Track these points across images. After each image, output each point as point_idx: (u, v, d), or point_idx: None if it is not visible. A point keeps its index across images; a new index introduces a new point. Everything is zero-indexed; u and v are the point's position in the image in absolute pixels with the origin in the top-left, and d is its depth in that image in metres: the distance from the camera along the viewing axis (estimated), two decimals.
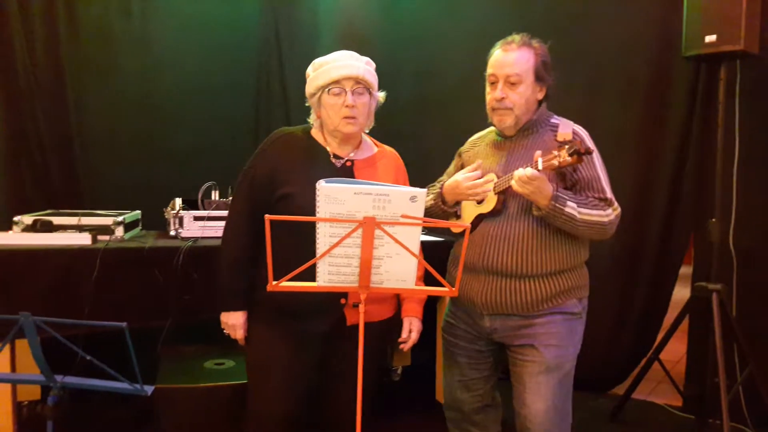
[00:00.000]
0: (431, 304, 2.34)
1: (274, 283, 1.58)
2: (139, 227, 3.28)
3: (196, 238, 2.89)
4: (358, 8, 4.21)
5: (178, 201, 3.02)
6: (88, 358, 1.52)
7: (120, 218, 2.91)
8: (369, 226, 1.53)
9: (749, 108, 3.19)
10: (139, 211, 3.28)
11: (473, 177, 2.10)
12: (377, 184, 1.55)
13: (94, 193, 3.67)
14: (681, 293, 3.51)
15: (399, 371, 3.69)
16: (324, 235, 1.55)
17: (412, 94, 4.16)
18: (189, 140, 3.92)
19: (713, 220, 3.08)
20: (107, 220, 2.88)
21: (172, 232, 2.96)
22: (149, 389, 1.57)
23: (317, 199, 1.51)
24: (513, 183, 1.95)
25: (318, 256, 1.56)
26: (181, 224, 2.96)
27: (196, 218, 2.97)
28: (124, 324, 1.48)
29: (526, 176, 1.90)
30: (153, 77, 3.80)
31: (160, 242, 2.87)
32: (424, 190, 1.56)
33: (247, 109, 4.16)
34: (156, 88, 3.82)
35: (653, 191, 3.55)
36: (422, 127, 4.11)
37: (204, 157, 3.86)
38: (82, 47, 3.62)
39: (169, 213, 3.01)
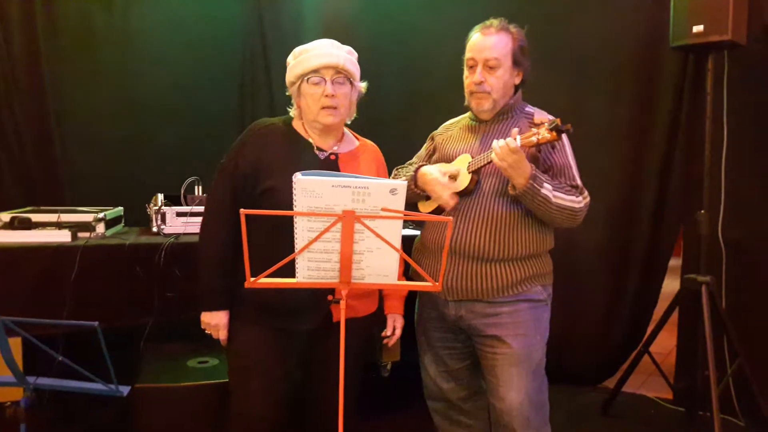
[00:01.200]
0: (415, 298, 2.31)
1: (252, 279, 1.54)
2: (122, 224, 3.23)
3: (179, 234, 2.84)
4: (343, 1, 4.16)
5: (160, 196, 2.97)
6: (60, 358, 1.47)
7: (101, 215, 2.85)
8: (348, 220, 1.49)
9: (737, 99, 3.16)
10: (121, 208, 3.22)
11: (445, 181, 2.06)
12: (356, 177, 1.51)
13: (78, 191, 3.59)
14: (671, 286, 3.48)
15: (388, 367, 3.65)
16: (302, 230, 1.51)
17: (399, 87, 4.11)
18: (174, 135, 3.85)
19: (702, 211, 3.06)
20: (88, 217, 2.82)
21: (155, 229, 2.92)
22: (125, 390, 1.53)
23: (294, 192, 1.47)
24: (492, 155, 1.92)
25: (296, 251, 1.52)
26: (163, 220, 2.92)
27: (179, 214, 2.93)
28: (96, 323, 1.43)
29: (509, 147, 1.87)
30: (135, 71, 3.72)
31: (142, 239, 2.82)
32: (405, 183, 1.52)
33: (231, 103, 4.11)
34: (138, 82, 3.74)
35: (642, 183, 3.53)
36: (409, 121, 4.06)
37: (189, 152, 3.80)
38: (61, 41, 3.53)
39: (151, 209, 2.96)
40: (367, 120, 3.79)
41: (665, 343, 3.68)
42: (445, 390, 2.26)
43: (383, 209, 1.50)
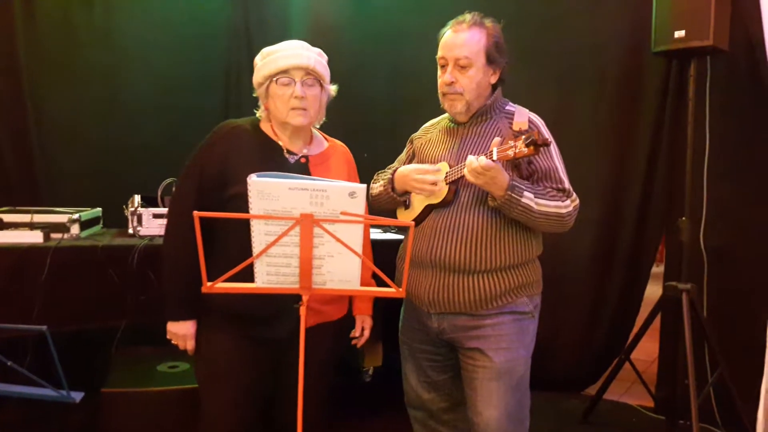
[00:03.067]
0: (400, 302, 2.28)
1: (209, 284, 1.50)
2: (100, 225, 3.19)
3: (153, 236, 2.80)
4: (330, 3, 4.12)
5: (137, 198, 2.94)
6: (9, 363, 1.43)
7: (75, 216, 2.81)
8: (307, 223, 1.45)
9: (719, 104, 3.14)
10: (99, 209, 3.19)
11: (424, 170, 2.01)
12: (313, 179, 1.48)
13: (59, 192, 3.54)
14: (657, 292, 3.46)
15: (370, 372, 3.62)
16: (259, 234, 1.47)
17: (386, 90, 4.09)
18: (157, 136, 3.79)
19: (683, 218, 3.04)
20: (62, 218, 2.79)
21: (131, 230, 2.89)
22: (77, 396, 1.48)
23: (249, 194, 1.44)
24: (466, 173, 1.86)
25: (254, 255, 1.48)
26: (139, 222, 2.89)
27: (156, 216, 2.90)
28: (45, 327, 1.40)
29: (480, 167, 1.80)
30: (116, 70, 3.66)
31: (117, 240, 2.79)
32: (364, 186, 1.48)
33: (216, 104, 4.05)
34: (120, 81, 3.68)
35: (625, 189, 3.51)
36: (397, 124, 4.02)
37: (174, 153, 3.75)
38: (39, 39, 3.47)
39: (128, 210, 2.93)
40: (355, 122, 3.75)
41: (649, 351, 3.65)
42: (426, 400, 2.22)
43: (342, 213, 1.47)
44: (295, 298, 1.85)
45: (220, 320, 1.91)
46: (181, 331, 1.94)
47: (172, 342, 1.98)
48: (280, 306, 1.85)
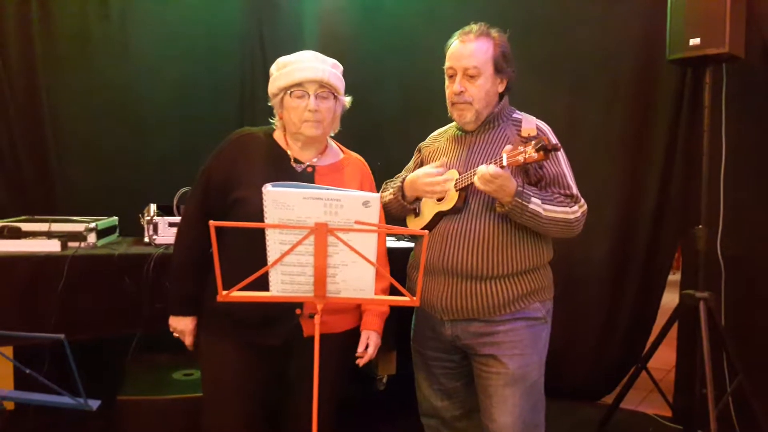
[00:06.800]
0: (413, 310, 2.27)
1: (225, 293, 1.51)
2: (116, 233, 3.22)
3: (169, 245, 2.82)
4: (342, 14, 4.15)
5: (153, 207, 2.97)
6: (27, 371, 1.44)
7: (92, 224, 2.84)
8: (321, 232, 1.46)
9: (736, 112, 3.12)
10: (115, 218, 3.21)
11: (434, 173, 2.04)
12: (328, 189, 1.49)
13: (76, 201, 3.57)
14: (674, 300, 3.43)
15: (384, 380, 3.61)
16: (274, 242, 1.48)
17: (397, 100, 4.10)
18: (173, 146, 3.83)
19: (699, 226, 3.01)
20: (79, 227, 2.81)
21: (147, 239, 2.91)
22: (94, 404, 1.50)
23: (264, 204, 1.44)
24: (475, 180, 1.87)
25: (269, 264, 1.49)
26: (155, 230, 2.91)
27: (171, 224, 2.92)
28: (62, 336, 1.41)
29: (489, 174, 1.83)
30: (132, 81, 3.71)
31: (133, 249, 2.81)
32: (378, 195, 1.49)
33: (231, 114, 4.09)
34: (136, 92, 3.73)
35: (640, 197, 3.49)
36: (407, 135, 4.02)
37: (189, 163, 3.78)
38: (57, 51, 3.54)
39: (144, 219, 2.96)
40: (367, 132, 3.75)
41: (667, 359, 3.62)
42: (439, 408, 2.22)
43: (356, 222, 1.47)
44: (294, 305, 1.86)
45: (219, 324, 1.93)
46: (180, 326, 2.03)
47: (174, 334, 2.06)
48: (275, 313, 1.85)
